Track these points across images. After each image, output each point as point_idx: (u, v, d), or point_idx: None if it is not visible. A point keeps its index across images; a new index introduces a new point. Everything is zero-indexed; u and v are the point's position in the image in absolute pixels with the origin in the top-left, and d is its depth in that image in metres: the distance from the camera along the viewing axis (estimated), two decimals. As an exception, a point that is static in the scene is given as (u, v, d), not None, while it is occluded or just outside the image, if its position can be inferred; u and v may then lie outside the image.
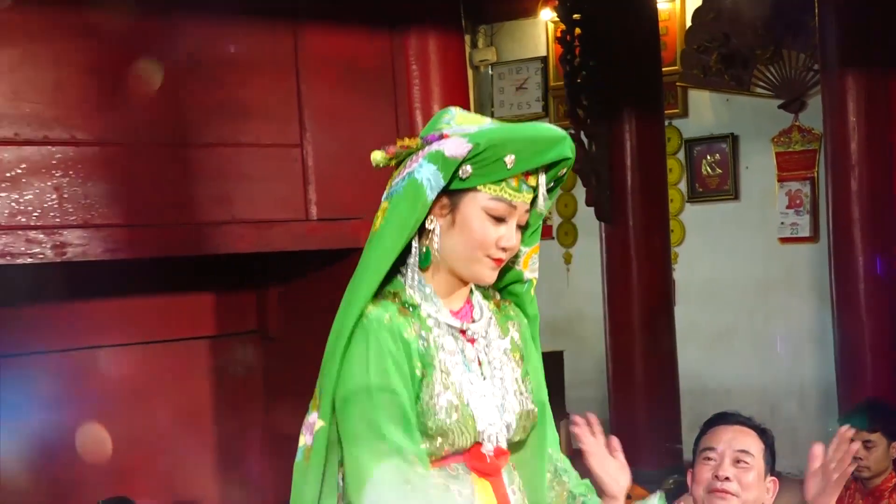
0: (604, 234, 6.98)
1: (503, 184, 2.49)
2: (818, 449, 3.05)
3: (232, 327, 5.05)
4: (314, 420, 2.57)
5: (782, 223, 8.28)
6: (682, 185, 8.72)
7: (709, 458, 3.32)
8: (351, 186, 4.62)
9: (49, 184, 3.96)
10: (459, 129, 2.54)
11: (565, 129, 8.58)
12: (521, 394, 2.63)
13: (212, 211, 4.29)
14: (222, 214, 4.30)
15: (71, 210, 3.99)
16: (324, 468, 2.54)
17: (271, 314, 5.04)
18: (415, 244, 2.56)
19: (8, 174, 3.86)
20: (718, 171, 8.63)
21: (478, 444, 2.53)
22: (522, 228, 2.59)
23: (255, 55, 4.41)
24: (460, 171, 2.47)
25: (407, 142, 2.57)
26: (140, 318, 4.81)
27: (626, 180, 6.83)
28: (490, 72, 9.52)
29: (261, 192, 4.34)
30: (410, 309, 2.54)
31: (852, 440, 5.19)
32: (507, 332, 2.67)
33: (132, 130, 4.13)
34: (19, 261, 3.88)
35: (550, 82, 9.16)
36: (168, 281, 4.78)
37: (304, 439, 2.62)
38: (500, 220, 2.51)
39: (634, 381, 6.83)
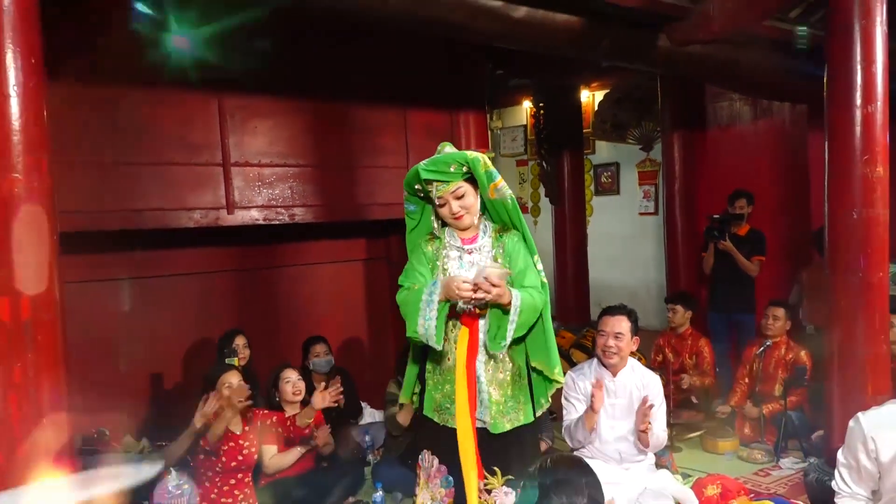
0: (553, 211, 6.90)
1: (431, 191, 2.55)
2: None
3: (373, 255, 5.06)
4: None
5: (640, 206, 8.18)
6: (592, 187, 8.60)
7: (601, 334, 3.24)
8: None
9: (286, 185, 3.98)
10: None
11: (534, 161, 8.21)
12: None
13: (364, 198, 4.29)
14: (369, 199, 4.30)
15: (297, 197, 4.01)
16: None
17: (392, 249, 5.04)
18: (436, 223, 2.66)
19: (267, 181, 3.90)
20: (610, 180, 8.48)
21: None
22: (477, 187, 2.55)
23: (386, 123, 4.38)
24: (418, 194, 2.62)
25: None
26: (330, 250, 4.85)
27: (564, 184, 6.75)
28: (499, 132, 9.40)
29: (388, 190, 4.32)
30: (436, 239, 2.62)
31: (668, 310, 5.07)
32: (495, 247, 2.58)
33: (325, 160, 4.14)
34: (274, 222, 3.93)
35: (528, 137, 9.03)
36: (343, 232, 4.81)
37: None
38: (444, 204, 2.54)
39: (567, 283, 6.79)
